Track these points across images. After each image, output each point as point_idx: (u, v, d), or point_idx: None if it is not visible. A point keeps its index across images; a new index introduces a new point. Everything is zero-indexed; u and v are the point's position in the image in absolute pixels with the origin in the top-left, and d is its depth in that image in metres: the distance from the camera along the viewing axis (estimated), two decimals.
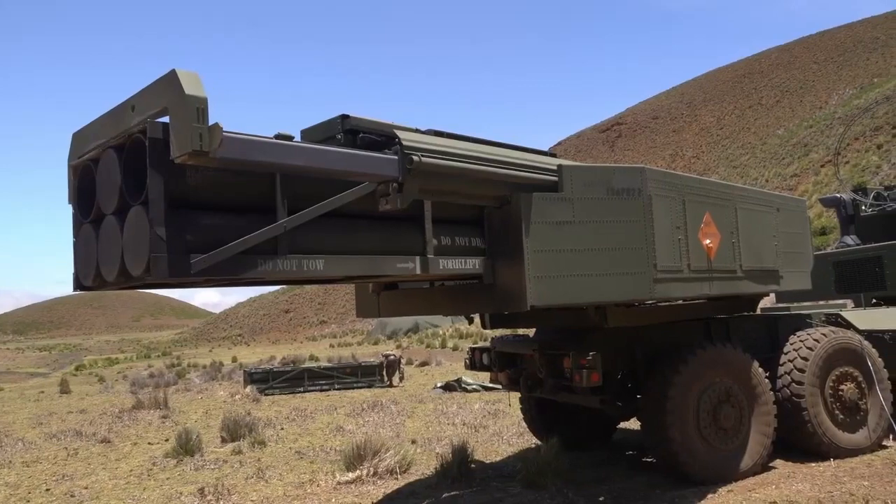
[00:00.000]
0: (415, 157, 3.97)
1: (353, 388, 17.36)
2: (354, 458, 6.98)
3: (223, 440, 9.69)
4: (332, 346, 49.14)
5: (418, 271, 4.37)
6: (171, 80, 3.03)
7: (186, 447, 8.76)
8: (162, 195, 3.21)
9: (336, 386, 17.45)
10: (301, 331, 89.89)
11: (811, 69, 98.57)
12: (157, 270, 3.15)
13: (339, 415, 12.21)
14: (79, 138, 3.79)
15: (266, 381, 17.23)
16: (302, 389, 17.16)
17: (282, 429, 10.78)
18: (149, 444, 10.21)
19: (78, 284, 3.79)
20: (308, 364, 22.30)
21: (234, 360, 38.01)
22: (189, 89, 2.94)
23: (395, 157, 3.99)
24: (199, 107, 2.95)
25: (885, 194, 9.62)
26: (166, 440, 10.22)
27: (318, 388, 17.30)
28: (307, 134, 4.39)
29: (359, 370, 18.11)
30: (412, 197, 4.07)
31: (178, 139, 2.99)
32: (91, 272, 3.60)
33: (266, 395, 16.43)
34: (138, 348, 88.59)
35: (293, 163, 3.55)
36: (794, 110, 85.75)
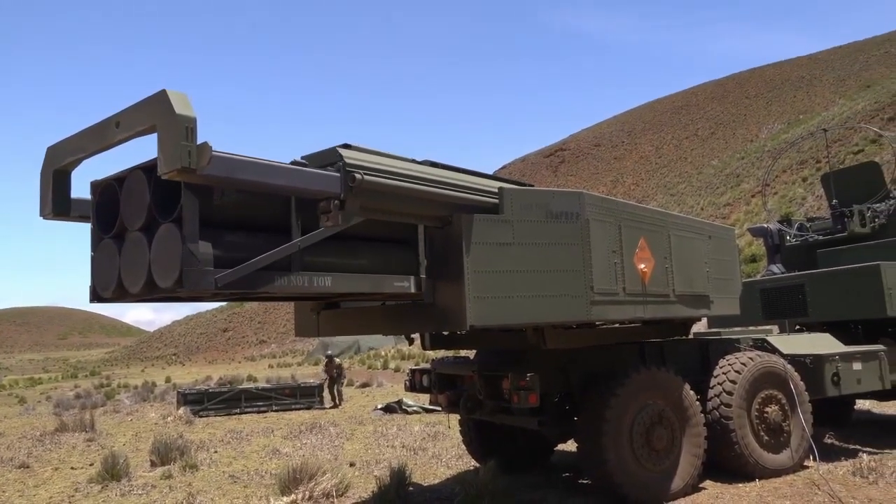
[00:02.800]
0: (357, 175, 3.98)
1: (292, 410, 17.02)
2: (290, 482, 6.81)
3: (153, 464, 9.30)
4: (271, 366, 48.08)
5: (412, 290, 4.69)
6: (160, 99, 3.13)
7: (113, 472, 8.37)
8: (195, 214, 3.51)
9: (274, 407, 17.09)
10: (240, 350, 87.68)
11: (743, 104, 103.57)
12: (188, 283, 3.44)
13: (275, 437, 11.92)
14: (55, 152, 3.91)
15: (201, 402, 16.71)
16: (238, 411, 16.73)
17: (215, 452, 10.44)
18: (72, 468, 9.71)
19: (95, 296, 4.00)
20: (246, 385, 21.75)
21: (168, 380, 36.71)
22: (179, 109, 3.06)
23: (338, 175, 3.99)
24: (188, 126, 3.07)
25: (808, 225, 10.13)
26: (91, 465, 9.75)
27: (255, 409, 16.91)
28: (310, 160, 4.42)
29: (298, 391, 17.79)
30: (354, 214, 4.08)
31: (166, 156, 3.10)
32: (111, 285, 3.84)
33: (200, 416, 15.93)
34: (64, 368, 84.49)
35: (270, 181, 3.68)
36: (727, 142, 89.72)
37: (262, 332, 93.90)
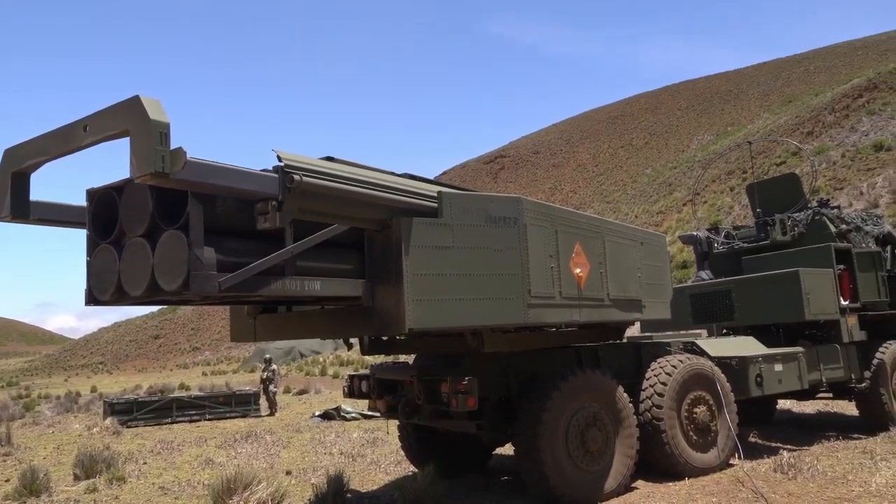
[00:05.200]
0: (295, 177, 3.94)
1: (226, 418, 16.59)
2: (223, 493, 6.61)
3: (76, 478, 8.87)
4: (205, 374, 46.69)
5: None
6: (134, 104, 3.18)
7: (31, 487, 7.93)
8: (200, 221, 3.77)
9: (207, 416, 16.61)
10: (172, 358, 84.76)
11: (675, 115, 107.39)
12: (195, 286, 3.69)
13: (209, 446, 11.58)
14: (13, 154, 3.91)
15: (129, 412, 16.08)
16: (170, 420, 16.19)
17: (144, 463, 10.06)
18: None
19: (92, 299, 4.19)
20: (177, 393, 21.06)
21: (94, 389, 35.11)
22: (153, 114, 3.11)
23: (276, 176, 3.96)
24: (162, 131, 3.14)
25: (734, 234, 10.58)
26: (7, 480, 9.22)
27: (187, 418, 16.39)
28: None
29: (233, 399, 17.34)
30: (292, 216, 4.04)
31: (139, 160, 3.15)
32: (110, 288, 4.05)
33: (129, 427, 15.33)
34: None
35: (224, 184, 3.75)
36: (660, 152, 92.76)
37: (195, 339, 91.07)
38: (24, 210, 4.07)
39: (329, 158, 4.59)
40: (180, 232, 3.75)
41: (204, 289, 3.75)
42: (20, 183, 3.98)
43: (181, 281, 3.70)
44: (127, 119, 3.22)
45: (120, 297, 4.07)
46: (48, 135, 3.70)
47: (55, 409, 22.74)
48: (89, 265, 4.21)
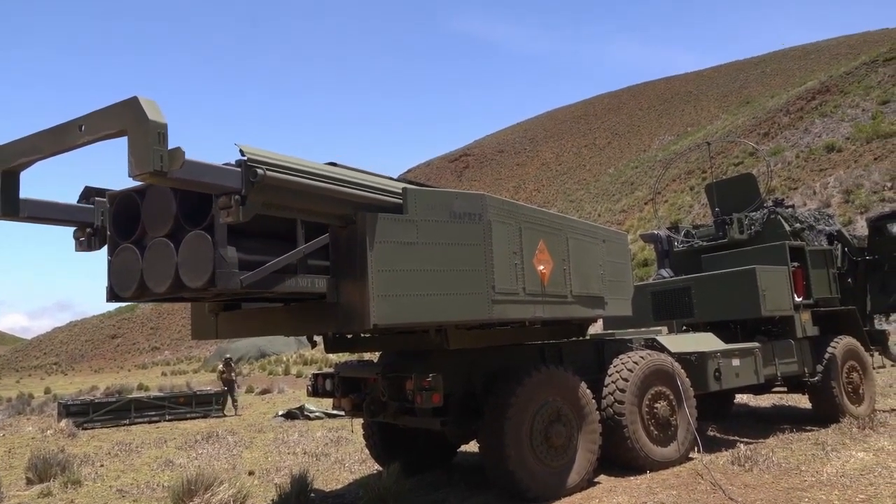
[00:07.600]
0: (259, 171, 3.90)
1: (187, 419, 16.31)
2: (184, 494, 6.49)
3: (29, 482, 8.61)
4: (164, 374, 45.84)
5: None
6: (132, 105, 3.26)
7: None
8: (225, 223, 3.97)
9: (167, 417, 16.32)
10: (130, 358, 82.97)
11: (637, 115, 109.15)
12: (220, 283, 3.95)
13: (169, 448, 11.37)
14: (2, 152, 3.92)
15: (85, 413, 15.69)
16: (128, 422, 15.87)
17: (101, 466, 9.82)
18: None
19: (113, 296, 4.45)
20: (136, 394, 20.62)
21: (48, 391, 34.16)
22: (151, 115, 3.19)
23: (239, 170, 3.92)
24: (160, 131, 3.21)
25: (693, 232, 10.79)
26: None
27: (146, 419, 16.08)
28: None
29: (193, 399, 17.05)
30: (255, 211, 4.00)
31: (137, 159, 3.22)
32: (132, 285, 4.28)
33: (85, 429, 14.97)
34: None
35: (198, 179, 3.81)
36: (622, 151, 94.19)
37: (154, 339, 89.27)
38: (15, 208, 4.12)
39: (331, 164, 4.75)
40: (205, 232, 3.97)
41: (228, 285, 3.98)
42: (10, 181, 4.03)
43: (206, 278, 3.92)
44: (125, 119, 3.27)
45: (142, 294, 4.31)
46: (41, 133, 3.71)
47: (6, 411, 22.06)
48: (111, 264, 4.45)
